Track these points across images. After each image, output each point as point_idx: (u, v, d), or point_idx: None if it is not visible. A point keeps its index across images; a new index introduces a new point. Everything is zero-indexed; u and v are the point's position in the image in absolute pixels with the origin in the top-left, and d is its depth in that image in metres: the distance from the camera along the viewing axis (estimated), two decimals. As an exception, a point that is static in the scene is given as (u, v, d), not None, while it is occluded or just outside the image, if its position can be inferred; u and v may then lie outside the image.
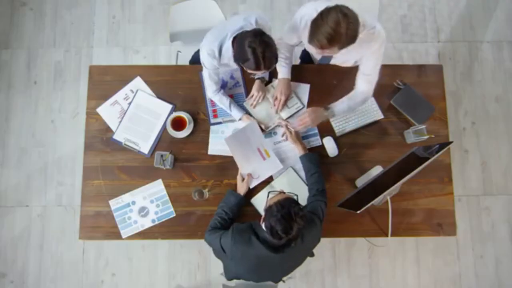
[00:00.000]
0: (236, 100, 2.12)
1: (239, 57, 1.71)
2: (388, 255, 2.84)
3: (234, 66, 1.84)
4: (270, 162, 2.02)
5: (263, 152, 2.02)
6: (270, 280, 1.81)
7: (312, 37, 1.61)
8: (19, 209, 2.89)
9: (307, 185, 2.00)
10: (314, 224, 1.73)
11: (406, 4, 3.19)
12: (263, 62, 1.65)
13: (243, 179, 1.99)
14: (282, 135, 2.07)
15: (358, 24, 1.58)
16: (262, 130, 2.05)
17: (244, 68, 1.74)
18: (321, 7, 1.63)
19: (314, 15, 1.63)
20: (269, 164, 2.02)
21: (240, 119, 2.06)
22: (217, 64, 1.86)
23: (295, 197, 1.63)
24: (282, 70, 2.05)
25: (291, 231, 1.49)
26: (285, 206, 1.52)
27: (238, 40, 1.70)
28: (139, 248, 2.83)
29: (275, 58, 1.69)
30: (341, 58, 1.95)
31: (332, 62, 2.09)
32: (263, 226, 1.62)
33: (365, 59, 1.87)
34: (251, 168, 2.01)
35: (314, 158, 1.97)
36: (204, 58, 1.85)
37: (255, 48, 1.62)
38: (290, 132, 2.01)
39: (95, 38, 3.11)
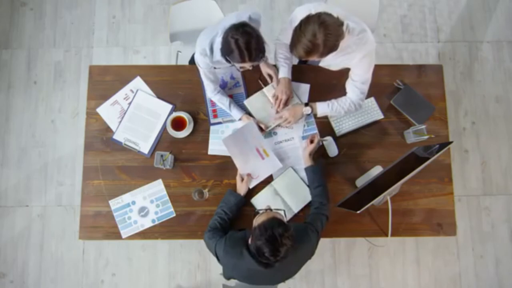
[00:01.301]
0: (236, 100, 2.12)
1: (224, 51, 1.71)
2: (388, 255, 2.84)
3: (226, 63, 1.84)
4: (269, 161, 2.02)
5: (262, 152, 2.02)
6: (266, 285, 1.80)
7: (292, 47, 1.63)
8: (19, 209, 2.89)
9: (307, 186, 2.00)
10: (309, 238, 1.71)
11: (406, 4, 3.19)
12: (246, 52, 1.64)
13: (242, 179, 1.98)
14: (310, 139, 2.01)
15: (338, 33, 1.57)
16: (261, 129, 2.05)
17: (231, 62, 1.73)
18: (315, 9, 1.63)
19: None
20: (268, 164, 2.02)
21: (240, 119, 2.06)
22: (209, 62, 1.86)
23: (282, 213, 1.59)
24: (282, 69, 2.04)
25: (279, 253, 1.45)
26: (268, 229, 1.46)
27: (223, 34, 1.70)
28: (139, 248, 2.83)
29: (260, 50, 1.68)
30: (327, 62, 1.94)
31: (320, 65, 2.08)
32: (251, 247, 1.57)
33: (354, 66, 1.86)
34: (250, 168, 2.01)
35: (319, 170, 1.95)
36: (197, 57, 1.86)
37: (237, 39, 1.62)
38: (315, 147, 1.98)
39: (95, 38, 3.11)
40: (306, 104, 2.01)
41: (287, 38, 1.98)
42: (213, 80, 1.99)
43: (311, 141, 2.00)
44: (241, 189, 1.96)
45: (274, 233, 1.45)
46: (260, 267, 1.56)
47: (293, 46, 1.62)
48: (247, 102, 2.12)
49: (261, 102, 2.11)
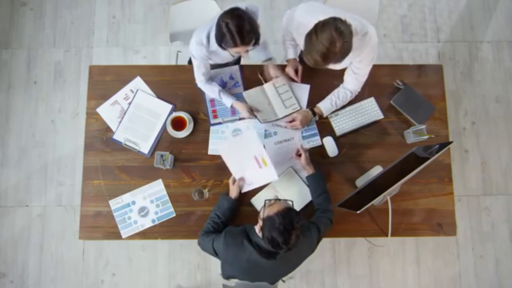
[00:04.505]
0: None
1: (217, 37, 1.69)
2: (388, 255, 2.84)
3: (223, 53, 1.83)
4: (266, 171, 1.95)
5: (260, 161, 1.97)
6: (265, 281, 1.81)
7: (306, 53, 1.61)
8: (19, 209, 2.89)
9: (307, 185, 2.00)
10: (310, 234, 1.72)
11: (406, 4, 3.19)
12: (238, 36, 1.62)
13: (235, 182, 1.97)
14: (297, 154, 2.02)
15: (352, 38, 1.58)
16: (259, 121, 2.04)
17: (226, 48, 1.72)
18: (313, 17, 1.63)
19: (305, 22, 1.64)
20: (264, 173, 1.95)
21: (231, 106, 2.04)
22: (205, 52, 1.85)
23: (290, 204, 1.62)
24: (289, 51, 2.09)
25: (291, 240, 1.49)
26: (287, 218, 1.50)
27: (216, 21, 1.68)
28: (139, 248, 2.83)
29: (253, 33, 1.65)
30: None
31: None
32: (260, 234, 1.61)
33: (356, 62, 1.87)
34: (245, 174, 1.98)
35: (320, 177, 1.96)
36: (192, 47, 1.86)
37: (228, 22, 1.61)
38: (306, 156, 1.97)
39: (95, 38, 3.11)
40: (313, 113, 2.03)
41: (292, 26, 2.01)
42: (204, 72, 1.99)
43: (299, 154, 2.00)
44: (233, 192, 1.95)
45: (292, 222, 1.49)
46: (260, 258, 1.59)
47: (307, 52, 1.60)
48: (245, 94, 2.10)
49: (259, 97, 2.10)
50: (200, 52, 1.85)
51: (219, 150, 2.01)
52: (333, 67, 1.92)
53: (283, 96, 2.10)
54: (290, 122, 2.04)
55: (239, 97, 2.12)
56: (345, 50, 1.57)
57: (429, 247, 2.85)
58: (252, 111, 2.04)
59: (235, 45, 1.66)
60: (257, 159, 1.97)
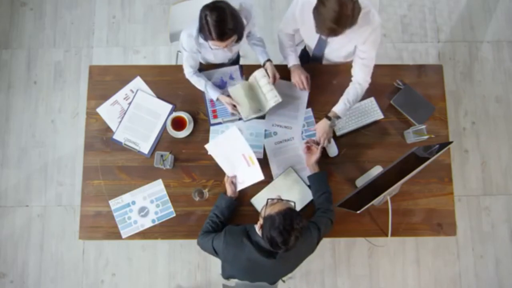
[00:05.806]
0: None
1: (199, 29, 1.67)
2: (388, 255, 2.84)
3: (212, 46, 1.80)
4: (253, 170, 1.91)
5: (248, 159, 1.93)
6: (265, 281, 1.81)
7: (320, 27, 1.59)
8: (19, 209, 2.89)
9: (308, 186, 2.00)
10: (310, 234, 1.72)
11: (406, 4, 3.19)
12: (214, 29, 1.57)
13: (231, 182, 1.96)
14: (308, 148, 1.99)
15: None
16: (240, 118, 2.03)
17: (207, 40, 1.69)
18: None
19: (311, 1, 1.63)
20: (252, 172, 1.91)
21: (217, 99, 2.03)
22: (195, 44, 1.85)
23: (292, 205, 1.62)
24: (290, 58, 2.06)
25: (289, 241, 1.49)
26: (287, 218, 1.50)
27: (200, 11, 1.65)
28: (139, 248, 2.83)
29: (234, 30, 1.61)
30: (336, 43, 1.91)
31: (327, 50, 2.04)
32: (259, 233, 1.62)
33: (361, 43, 1.84)
34: (237, 172, 1.97)
35: (323, 177, 1.95)
36: (183, 40, 1.86)
37: (207, 14, 1.57)
38: (318, 156, 1.95)
39: (95, 38, 3.11)
40: (328, 118, 1.94)
41: (287, 26, 2.00)
42: (192, 64, 1.99)
43: (309, 148, 1.98)
44: (228, 191, 1.95)
45: (292, 223, 1.49)
46: (261, 256, 1.59)
47: (320, 24, 1.57)
48: (230, 90, 2.06)
49: (244, 93, 2.03)
50: (189, 44, 1.85)
51: (208, 150, 2.00)
52: (333, 49, 1.90)
53: (264, 89, 2.03)
54: (316, 143, 1.97)
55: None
56: (357, 10, 1.55)
57: (429, 247, 2.85)
58: (236, 108, 2.01)
59: (212, 39, 1.63)
60: (245, 157, 1.93)
